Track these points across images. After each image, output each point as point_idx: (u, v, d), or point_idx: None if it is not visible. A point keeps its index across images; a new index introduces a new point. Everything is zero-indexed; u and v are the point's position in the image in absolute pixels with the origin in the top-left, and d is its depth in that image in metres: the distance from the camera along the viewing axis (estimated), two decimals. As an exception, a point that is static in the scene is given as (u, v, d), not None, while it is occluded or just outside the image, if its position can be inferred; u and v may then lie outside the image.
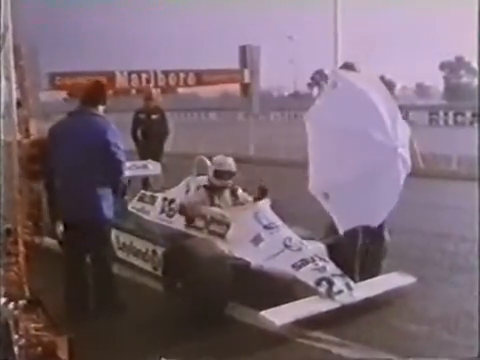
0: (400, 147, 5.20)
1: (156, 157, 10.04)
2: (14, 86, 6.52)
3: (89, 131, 5.30)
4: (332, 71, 5.31)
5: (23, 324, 4.37)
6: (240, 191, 6.78)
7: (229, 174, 6.63)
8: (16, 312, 4.50)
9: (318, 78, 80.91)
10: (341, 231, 5.26)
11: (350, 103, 5.21)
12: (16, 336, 4.14)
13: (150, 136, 10.60)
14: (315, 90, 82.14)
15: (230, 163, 6.66)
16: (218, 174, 6.60)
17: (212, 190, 6.65)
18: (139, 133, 10.70)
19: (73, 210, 5.39)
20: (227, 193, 6.71)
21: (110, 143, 5.26)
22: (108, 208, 5.42)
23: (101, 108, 5.49)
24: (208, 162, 6.98)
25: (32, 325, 4.43)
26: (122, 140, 5.52)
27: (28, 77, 7.83)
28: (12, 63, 6.05)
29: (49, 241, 7.94)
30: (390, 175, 5.26)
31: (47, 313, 4.68)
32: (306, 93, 77.82)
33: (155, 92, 11.28)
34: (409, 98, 63.10)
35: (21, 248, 5.39)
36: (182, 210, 6.68)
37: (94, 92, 5.51)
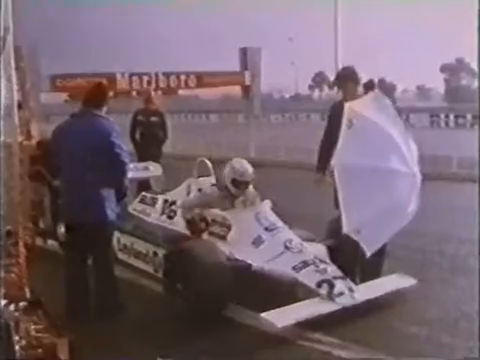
0: (417, 172, 5.48)
1: (154, 160, 10.01)
2: (15, 88, 6.53)
3: (93, 133, 5.31)
4: (348, 108, 5.39)
5: (24, 326, 4.37)
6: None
7: (246, 184, 6.37)
8: (17, 314, 4.51)
9: (319, 80, 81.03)
10: (368, 254, 5.37)
11: (368, 140, 5.38)
12: (17, 338, 4.14)
13: (148, 138, 10.51)
14: (316, 92, 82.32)
15: (250, 173, 6.29)
16: (236, 184, 6.31)
17: (225, 197, 6.37)
18: (137, 135, 10.60)
19: (77, 211, 5.35)
20: (240, 200, 6.44)
21: (115, 144, 5.27)
22: (112, 209, 5.41)
23: (104, 109, 5.50)
24: (210, 164, 6.99)
25: (33, 327, 4.44)
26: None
27: (29, 79, 7.84)
28: (13, 65, 6.06)
29: (50, 242, 7.97)
30: (412, 197, 5.50)
31: (48, 315, 4.68)
32: (307, 95, 77.86)
33: (155, 94, 11.23)
34: (410, 100, 63.13)
35: (22, 249, 5.40)
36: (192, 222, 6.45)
37: (96, 94, 5.51)
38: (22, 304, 4.69)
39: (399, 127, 5.61)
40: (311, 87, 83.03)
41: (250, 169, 6.30)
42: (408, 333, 5.11)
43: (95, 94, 5.50)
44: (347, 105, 5.49)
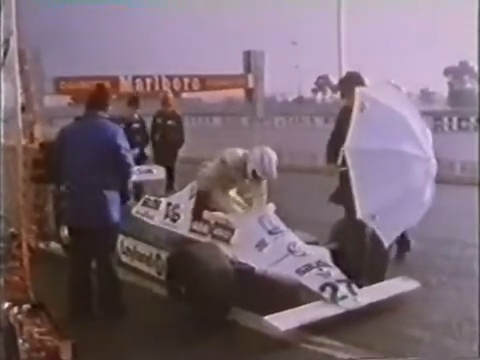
0: (432, 156, 5.41)
1: (170, 163, 10.13)
2: (19, 91, 6.54)
3: (99, 135, 5.37)
4: (359, 93, 5.33)
5: (27, 328, 4.37)
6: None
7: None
8: (20, 316, 4.51)
9: (322, 83, 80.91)
10: (386, 244, 5.40)
11: (381, 123, 5.26)
12: (20, 340, 4.14)
13: (165, 142, 10.34)
14: (319, 95, 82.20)
15: (273, 175, 6.23)
16: (255, 175, 6.22)
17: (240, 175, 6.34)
18: (157, 138, 10.39)
19: (81, 214, 5.40)
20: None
21: (120, 147, 5.36)
22: (116, 212, 5.47)
23: (108, 111, 5.57)
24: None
25: (36, 329, 4.43)
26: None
27: (33, 82, 7.86)
28: (17, 68, 6.07)
29: (53, 245, 7.98)
30: (427, 184, 5.41)
31: (51, 317, 4.68)
32: (310, 98, 77.77)
33: (172, 97, 10.91)
34: (414, 104, 62.98)
35: (25, 252, 5.40)
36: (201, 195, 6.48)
37: (98, 96, 5.58)
38: (25, 307, 4.69)
39: (413, 113, 5.52)
40: (314, 90, 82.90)
41: (275, 172, 6.21)
42: (410, 336, 5.11)
43: (97, 96, 5.56)
44: (358, 90, 5.42)
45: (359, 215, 5.13)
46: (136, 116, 9.92)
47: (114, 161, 5.33)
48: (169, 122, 10.35)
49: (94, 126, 5.42)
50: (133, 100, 10.00)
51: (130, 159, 5.45)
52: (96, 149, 5.30)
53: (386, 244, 5.34)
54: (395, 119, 5.33)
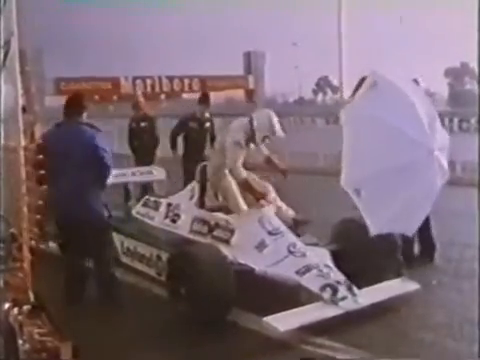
0: (437, 150, 5.09)
1: (148, 165, 10.02)
2: (20, 92, 6.54)
3: (78, 139, 5.78)
4: (372, 72, 5.29)
5: (27, 329, 4.37)
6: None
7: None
8: (20, 317, 4.51)
9: (323, 84, 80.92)
10: (373, 233, 5.13)
11: (388, 101, 5.14)
12: (20, 341, 4.14)
13: (141, 144, 10.34)
14: (320, 96, 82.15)
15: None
16: (264, 139, 6.42)
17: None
18: (134, 142, 10.42)
19: (68, 211, 5.72)
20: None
21: (99, 148, 5.73)
22: (100, 207, 5.84)
23: (84, 115, 5.96)
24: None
25: (36, 330, 4.43)
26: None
27: (33, 82, 7.89)
28: (18, 69, 6.07)
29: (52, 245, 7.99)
30: (424, 178, 5.12)
31: (51, 318, 4.68)
32: (310, 99, 77.73)
33: (143, 100, 10.85)
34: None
35: (26, 254, 5.40)
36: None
37: (75, 103, 6.00)
38: (26, 308, 4.69)
39: (424, 105, 5.31)
40: (315, 91, 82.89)
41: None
42: (411, 337, 5.11)
43: (74, 103, 6.00)
44: (372, 70, 5.39)
45: (343, 184, 4.98)
46: (207, 115, 9.76)
47: (94, 161, 5.69)
48: (142, 124, 10.30)
49: (74, 130, 5.82)
50: (204, 98, 9.81)
51: (108, 158, 5.78)
52: (77, 152, 5.67)
53: (372, 231, 5.07)
54: (404, 102, 5.15)
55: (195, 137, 9.58)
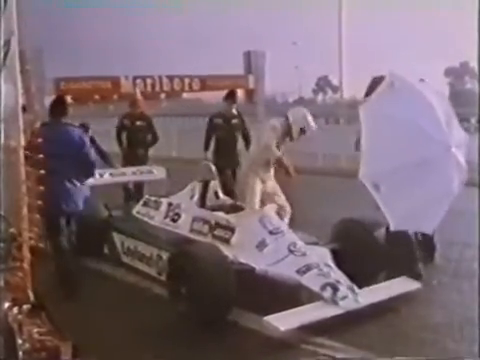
0: (454, 147, 5.15)
1: (141, 163, 9.93)
2: (20, 91, 6.54)
3: (64, 138, 6.19)
4: (390, 73, 5.36)
5: (27, 328, 4.36)
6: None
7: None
8: (20, 317, 4.50)
9: (323, 84, 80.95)
10: (392, 228, 5.15)
11: (406, 99, 5.22)
12: (20, 341, 4.13)
13: (134, 143, 10.11)
14: (320, 96, 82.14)
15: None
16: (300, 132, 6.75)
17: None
18: (124, 139, 10.17)
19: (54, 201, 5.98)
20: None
21: (83, 146, 6.27)
22: (81, 201, 6.35)
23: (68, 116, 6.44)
24: (214, 168, 7.02)
25: (36, 330, 4.42)
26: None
27: (33, 82, 7.92)
28: (18, 68, 6.06)
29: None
30: (442, 174, 5.17)
31: (51, 318, 4.67)
32: (310, 99, 77.71)
33: (141, 99, 10.69)
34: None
35: (26, 253, 5.39)
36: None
37: (59, 105, 6.52)
38: (25, 307, 4.68)
39: (443, 103, 5.40)
40: (315, 91, 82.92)
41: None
42: (412, 337, 5.10)
43: (58, 106, 6.51)
44: (390, 71, 5.44)
45: (361, 177, 5.05)
46: (234, 111, 9.47)
47: (79, 159, 6.19)
48: (138, 123, 10.07)
49: (61, 130, 6.23)
50: (229, 94, 9.58)
51: (92, 156, 6.42)
52: (63, 149, 6.02)
53: (392, 227, 5.11)
54: (422, 102, 5.23)
55: (222, 135, 9.37)
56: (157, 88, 21.98)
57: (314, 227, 7.20)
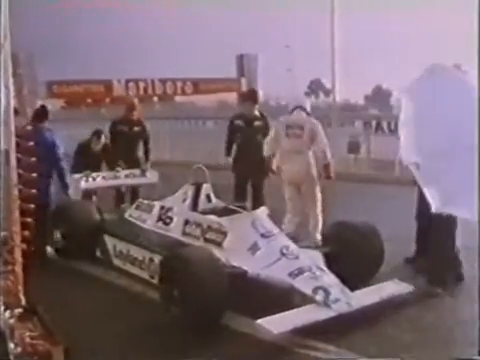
0: None
1: (134, 166, 9.81)
2: (12, 94, 6.54)
3: (42, 139, 7.20)
4: (432, 64, 5.47)
5: (18, 332, 4.35)
6: None
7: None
8: (12, 321, 4.48)
9: (315, 87, 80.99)
10: (433, 210, 5.04)
11: (446, 84, 5.32)
12: (11, 345, 4.12)
13: (129, 148, 9.90)
14: (312, 99, 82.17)
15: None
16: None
17: None
18: (121, 145, 9.76)
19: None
20: None
21: (58, 149, 7.59)
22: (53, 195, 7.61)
23: (46, 123, 7.63)
24: (206, 171, 7.02)
25: (27, 334, 4.41)
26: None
27: (25, 85, 7.93)
28: (10, 71, 6.05)
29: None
30: None
31: (43, 322, 4.66)
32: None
33: (137, 103, 10.29)
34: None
35: (18, 257, 5.38)
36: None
37: (41, 112, 7.72)
38: (17, 311, 4.67)
39: None
40: (307, 94, 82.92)
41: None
42: (403, 340, 5.11)
43: (41, 113, 7.73)
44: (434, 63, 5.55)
45: (402, 158, 5.21)
46: (257, 113, 8.85)
47: (52, 157, 7.44)
48: (135, 129, 9.81)
49: (38, 132, 7.04)
50: (251, 94, 9.00)
51: (61, 155, 7.65)
52: (41, 149, 6.48)
53: (433, 209, 5.00)
54: (461, 87, 5.34)
55: (244, 139, 8.78)
56: (149, 91, 21.88)
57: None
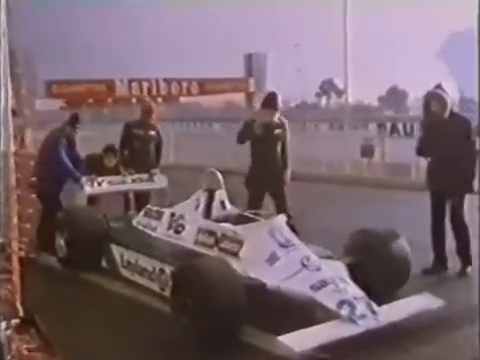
0: None
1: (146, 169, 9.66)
2: (10, 94, 6.44)
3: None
4: None
5: (15, 345, 4.30)
6: None
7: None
8: (8, 332, 4.41)
9: (327, 87, 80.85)
10: None
11: None
12: (8, 357, 4.06)
13: (143, 154, 9.78)
14: (323, 100, 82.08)
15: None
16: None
17: None
18: (136, 146, 9.71)
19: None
20: None
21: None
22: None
23: None
24: (220, 176, 6.88)
25: (25, 346, 4.37)
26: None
27: (23, 85, 7.88)
28: (8, 70, 5.97)
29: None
30: None
31: (41, 333, 4.60)
32: (314, 103, 77.66)
33: (155, 105, 10.28)
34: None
35: (15, 265, 5.30)
36: None
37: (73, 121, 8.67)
38: (14, 322, 4.61)
39: None
40: (318, 95, 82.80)
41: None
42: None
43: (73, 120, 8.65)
44: None
45: None
46: (277, 120, 8.08)
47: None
48: (151, 133, 9.76)
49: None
50: (271, 98, 8.15)
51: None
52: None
53: None
54: None
55: (262, 148, 7.98)
56: (154, 92, 21.86)
57: (323, 238, 7.18)
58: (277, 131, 8.03)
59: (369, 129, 21.98)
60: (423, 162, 14.41)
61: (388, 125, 20.65)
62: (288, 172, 8.07)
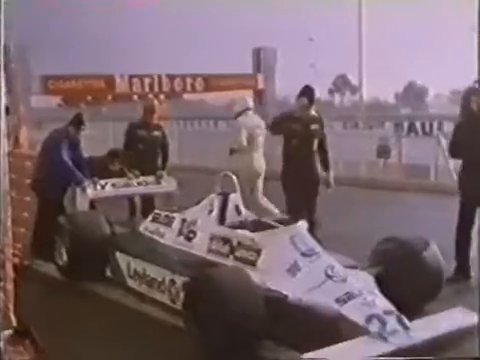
0: None
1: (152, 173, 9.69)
2: (3, 90, 6.37)
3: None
4: None
5: (8, 357, 4.26)
6: None
7: None
8: (1, 344, 4.38)
9: (340, 83, 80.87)
10: None
11: None
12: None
13: (148, 155, 9.80)
14: (336, 97, 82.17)
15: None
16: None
17: None
18: (140, 147, 9.73)
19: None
20: None
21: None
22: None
23: None
24: (235, 179, 6.75)
25: (19, 358, 4.37)
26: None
27: (18, 81, 7.75)
28: (1, 65, 5.92)
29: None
30: None
31: (36, 344, 4.54)
32: (327, 100, 77.54)
33: (158, 104, 10.40)
34: (444, 106, 62.10)
35: (9, 272, 5.24)
36: None
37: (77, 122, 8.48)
38: (7, 333, 4.59)
39: None
40: (332, 91, 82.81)
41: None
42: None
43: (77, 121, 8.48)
44: None
45: None
46: (313, 113, 7.86)
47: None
48: (155, 133, 9.83)
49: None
50: (307, 92, 7.87)
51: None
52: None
53: None
54: None
55: (298, 144, 7.79)
56: (156, 88, 21.77)
57: (340, 244, 7.17)
58: (314, 126, 7.89)
59: (385, 128, 21.92)
60: (441, 163, 14.50)
61: (405, 124, 20.60)
62: (331, 174, 8.01)
